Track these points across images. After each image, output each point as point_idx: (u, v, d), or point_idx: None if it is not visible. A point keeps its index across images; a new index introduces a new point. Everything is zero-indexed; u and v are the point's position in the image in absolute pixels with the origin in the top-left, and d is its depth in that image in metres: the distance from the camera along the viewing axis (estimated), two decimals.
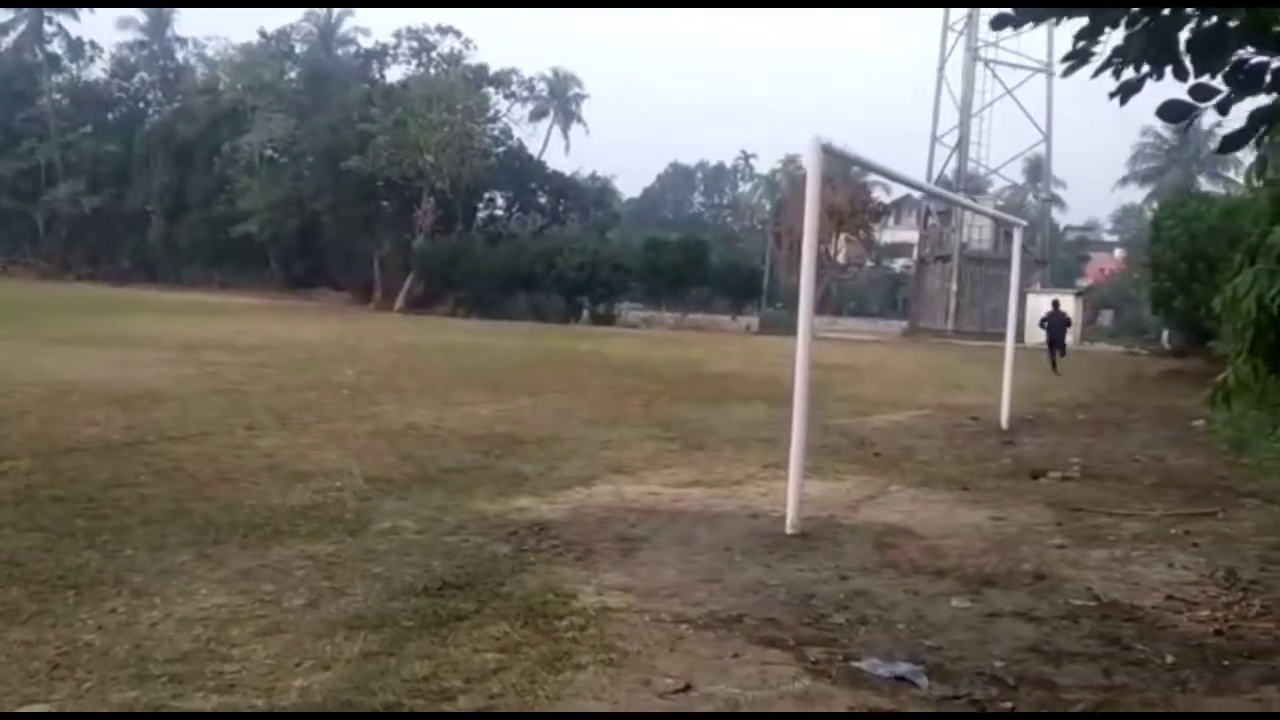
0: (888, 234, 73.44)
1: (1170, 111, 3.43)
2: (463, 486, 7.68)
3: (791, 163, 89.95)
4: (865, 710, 3.81)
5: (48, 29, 66.83)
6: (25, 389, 11.91)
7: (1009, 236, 47.61)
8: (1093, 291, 57.19)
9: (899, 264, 76.38)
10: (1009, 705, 3.90)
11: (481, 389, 14.81)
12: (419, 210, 50.90)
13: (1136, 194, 69.31)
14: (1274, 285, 4.36)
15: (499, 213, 61.06)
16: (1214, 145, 62.20)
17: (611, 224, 63.17)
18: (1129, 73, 3.38)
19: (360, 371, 16.55)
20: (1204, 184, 56.08)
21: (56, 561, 5.20)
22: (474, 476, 8.10)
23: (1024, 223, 16.48)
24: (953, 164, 53.36)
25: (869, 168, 7.92)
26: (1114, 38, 3.33)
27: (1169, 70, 3.34)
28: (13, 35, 67.41)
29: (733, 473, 8.89)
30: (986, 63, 52.36)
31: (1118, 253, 73.75)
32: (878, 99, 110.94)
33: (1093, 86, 3.54)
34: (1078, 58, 3.38)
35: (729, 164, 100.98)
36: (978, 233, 52.60)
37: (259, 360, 17.41)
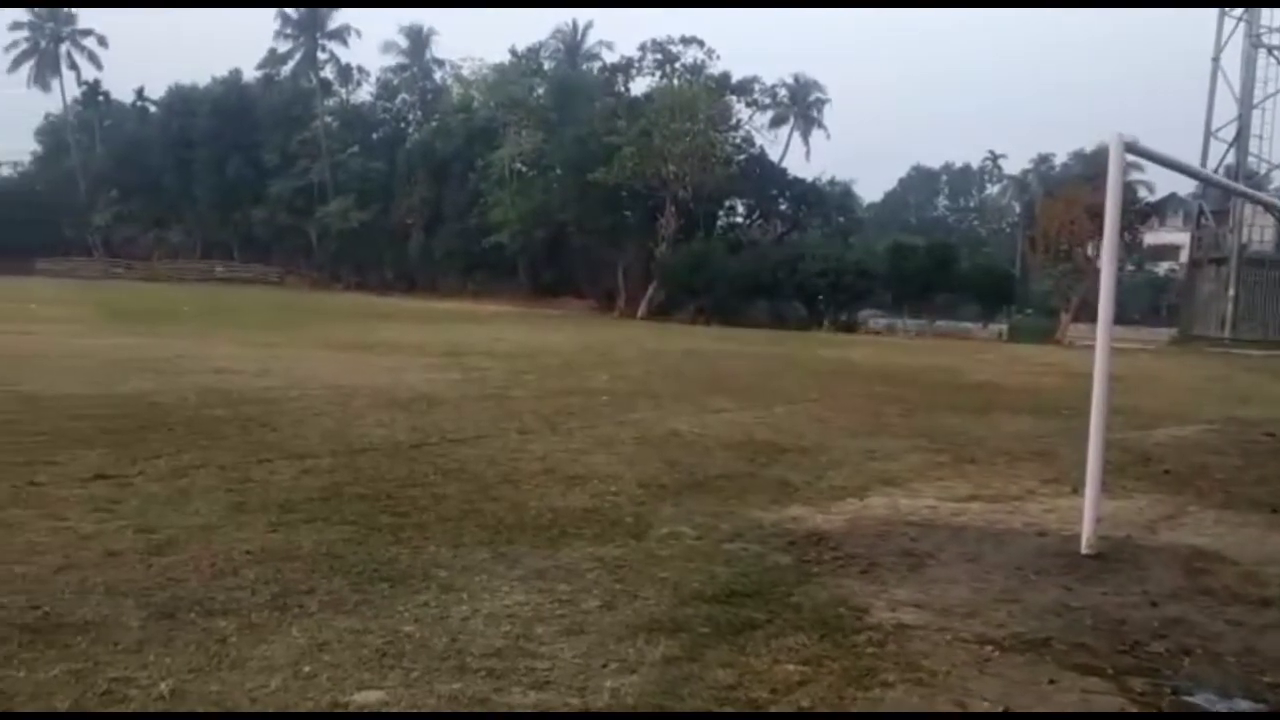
0: (1150, 235, 68.90)
1: None
2: (733, 494, 7.67)
3: (1044, 162, 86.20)
4: None
5: (321, 57, 72.26)
6: (314, 392, 12.78)
7: None
8: None
9: (1163, 267, 71.69)
10: None
11: (734, 395, 14.82)
12: (661, 219, 51.59)
13: None
14: None
15: (739, 220, 61.15)
16: None
17: (853, 229, 62.04)
18: None
19: (614, 377, 16.90)
20: None
21: (369, 555, 5.50)
22: (743, 484, 8.07)
23: None
24: (1229, 158, 49.42)
25: (1173, 167, 7.35)
26: None
27: None
28: (290, 64, 73.36)
29: (1010, 488, 8.48)
30: (1270, 50, 48.22)
31: None
32: (1136, 91, 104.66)
33: None
34: None
35: (975, 165, 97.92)
36: (1258, 233, 48.49)
37: (518, 366, 18.07)
